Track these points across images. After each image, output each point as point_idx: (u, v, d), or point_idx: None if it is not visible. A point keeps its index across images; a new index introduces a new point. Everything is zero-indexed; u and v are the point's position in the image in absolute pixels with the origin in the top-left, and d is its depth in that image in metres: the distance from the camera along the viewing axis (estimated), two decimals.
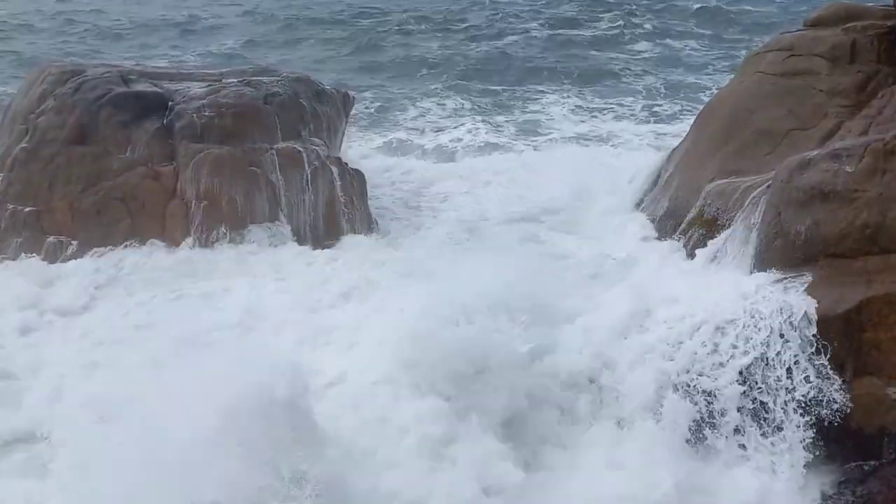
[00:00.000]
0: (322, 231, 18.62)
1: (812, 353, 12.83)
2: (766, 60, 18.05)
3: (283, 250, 18.00)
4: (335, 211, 18.81)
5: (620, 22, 40.26)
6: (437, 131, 27.01)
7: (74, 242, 18.15)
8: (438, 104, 29.75)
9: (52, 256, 18.04)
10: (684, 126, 22.05)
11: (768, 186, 15.11)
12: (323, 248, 18.28)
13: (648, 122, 27.94)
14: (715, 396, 13.03)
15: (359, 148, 24.07)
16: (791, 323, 12.99)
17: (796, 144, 16.44)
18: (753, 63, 18.44)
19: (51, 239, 18.22)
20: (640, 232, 17.79)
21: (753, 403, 12.92)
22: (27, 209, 18.48)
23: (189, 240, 17.97)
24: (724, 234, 15.46)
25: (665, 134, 25.86)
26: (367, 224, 19.17)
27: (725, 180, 16.65)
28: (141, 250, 17.86)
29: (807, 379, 12.76)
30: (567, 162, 23.00)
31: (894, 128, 14.91)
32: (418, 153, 25.06)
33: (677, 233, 16.99)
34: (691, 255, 16.06)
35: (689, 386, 13.11)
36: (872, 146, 14.08)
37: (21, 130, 19.38)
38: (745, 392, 12.95)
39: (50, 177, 18.52)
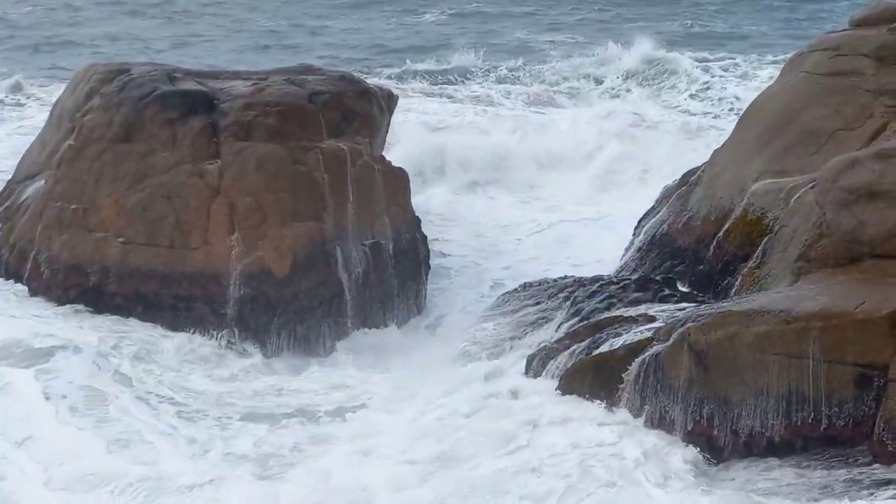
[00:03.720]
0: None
1: None
2: (811, 60, 17.96)
3: None
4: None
5: None
6: None
7: (120, 240, 18.30)
8: None
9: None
10: None
11: (813, 186, 15.05)
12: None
13: None
14: None
15: None
16: None
17: (842, 144, 16.36)
18: (798, 62, 18.35)
19: (97, 235, 18.38)
20: None
21: None
22: (73, 206, 18.65)
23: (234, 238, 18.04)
24: None
25: None
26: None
27: (770, 180, 16.58)
28: None
29: None
30: None
31: None
32: None
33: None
34: None
35: None
36: None
37: (68, 129, 19.55)
38: None
39: (96, 174, 18.67)
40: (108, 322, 17.93)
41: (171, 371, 16.83)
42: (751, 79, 32.57)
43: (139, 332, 17.76)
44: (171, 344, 17.52)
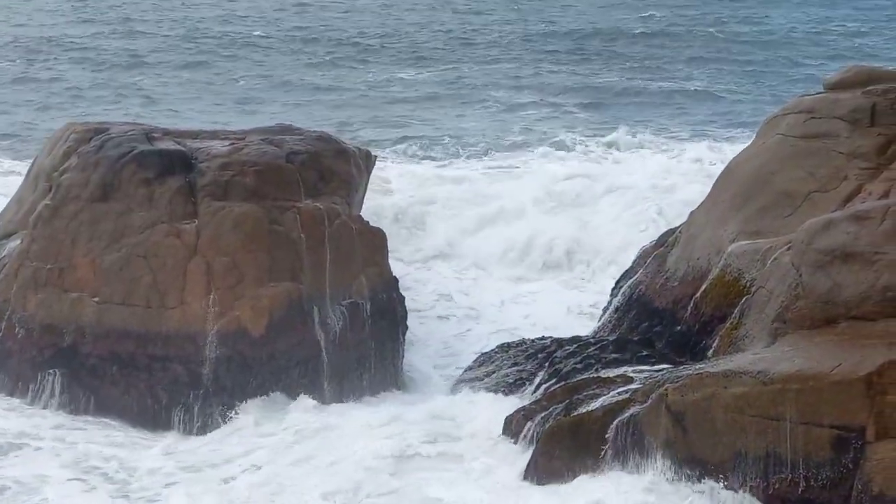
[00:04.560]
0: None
1: None
2: (785, 122, 18.12)
3: None
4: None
5: None
6: None
7: (96, 299, 18.22)
8: None
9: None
10: None
11: (789, 248, 15.12)
12: None
13: None
14: None
15: None
16: None
17: (817, 206, 16.46)
18: (773, 125, 18.51)
19: (73, 295, 18.29)
20: None
21: None
22: (49, 266, 18.58)
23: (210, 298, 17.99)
24: None
25: None
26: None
27: (747, 241, 16.65)
28: None
29: None
30: None
31: None
32: None
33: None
34: None
35: None
36: (894, 208, 14.13)
37: (44, 188, 19.51)
38: None
39: (73, 234, 18.61)
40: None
41: None
42: None
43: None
44: None
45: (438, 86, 40.62)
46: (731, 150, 24.60)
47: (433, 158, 30.69)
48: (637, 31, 50.17)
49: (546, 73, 42.40)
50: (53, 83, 40.46)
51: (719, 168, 20.57)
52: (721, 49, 47.14)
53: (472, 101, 38.23)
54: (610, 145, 31.33)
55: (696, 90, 39.95)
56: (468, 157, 30.66)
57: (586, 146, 31.25)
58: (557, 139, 31.94)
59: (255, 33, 49.74)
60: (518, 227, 24.90)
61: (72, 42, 47.40)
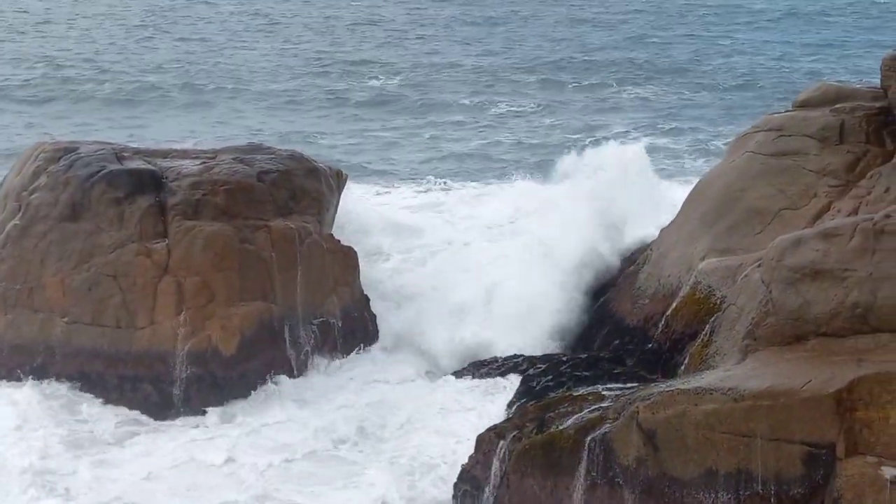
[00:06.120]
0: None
1: None
2: (755, 140, 18.20)
3: None
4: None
5: None
6: None
7: (65, 319, 18.11)
8: None
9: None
10: None
11: (759, 265, 15.16)
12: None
13: None
14: None
15: None
16: None
17: (787, 223, 16.53)
18: (743, 143, 18.59)
19: (42, 315, 18.19)
20: None
21: None
22: (18, 286, 18.46)
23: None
24: None
25: None
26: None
27: (717, 258, 16.69)
28: None
29: None
30: None
31: (884, 208, 14.99)
32: None
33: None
34: None
35: None
36: (862, 226, 14.17)
37: (14, 208, 19.41)
38: None
39: (42, 254, 18.52)
40: None
41: None
42: None
43: None
44: None
45: None
46: None
47: None
48: None
49: None
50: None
51: None
52: None
53: None
54: None
55: None
56: None
57: None
58: None
59: None
60: None
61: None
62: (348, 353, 18.97)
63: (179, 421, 17.54)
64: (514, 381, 17.58)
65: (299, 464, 16.30)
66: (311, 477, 16.03)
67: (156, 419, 17.58)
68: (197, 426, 17.41)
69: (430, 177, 29.44)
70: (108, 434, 17.17)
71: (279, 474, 16.01)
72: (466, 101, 40.68)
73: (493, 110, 39.59)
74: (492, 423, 16.13)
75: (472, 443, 15.78)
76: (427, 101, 40.78)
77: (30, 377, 18.08)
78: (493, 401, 17.40)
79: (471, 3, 66.28)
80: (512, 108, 39.78)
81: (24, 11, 61.35)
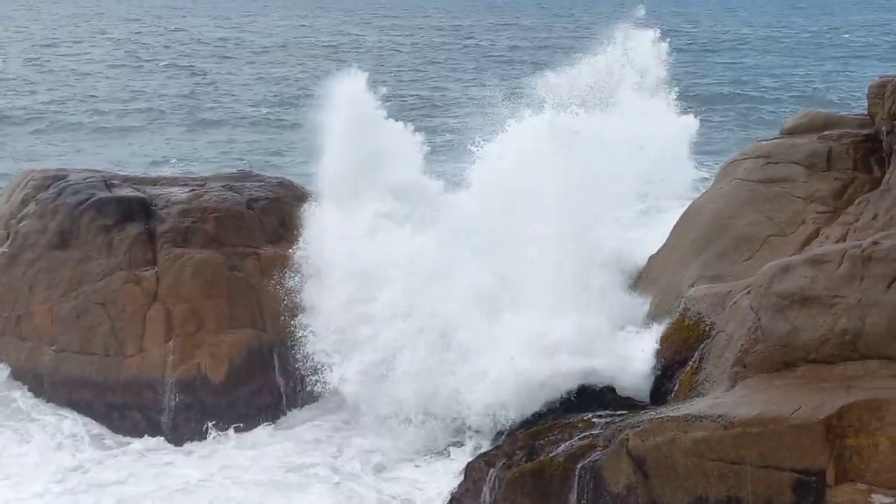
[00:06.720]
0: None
1: None
2: (743, 167, 18.25)
3: None
4: None
5: None
6: None
7: (53, 348, 18.06)
8: None
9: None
10: None
11: (748, 292, 15.18)
12: None
13: None
14: None
15: None
16: None
17: (775, 250, 16.56)
18: (731, 170, 18.64)
19: (30, 343, 18.14)
20: None
21: None
22: (6, 314, 18.43)
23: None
24: None
25: None
26: None
27: (706, 285, 16.71)
28: None
29: None
30: None
31: (871, 234, 15.03)
32: None
33: None
34: None
35: None
36: (850, 252, 14.20)
37: (2, 236, 19.39)
38: None
39: (30, 281, 18.50)
40: None
41: None
42: None
43: None
44: None
45: None
46: None
47: None
48: None
49: None
50: None
51: None
52: None
53: None
54: None
55: None
56: None
57: None
58: None
59: None
60: None
61: None
62: None
63: (168, 448, 17.47)
64: None
65: (288, 491, 16.24)
66: None
67: (144, 446, 17.50)
68: (187, 453, 17.35)
69: None
70: (94, 461, 17.08)
71: (267, 501, 15.94)
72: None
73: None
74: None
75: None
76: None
77: None
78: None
79: None
80: None
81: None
